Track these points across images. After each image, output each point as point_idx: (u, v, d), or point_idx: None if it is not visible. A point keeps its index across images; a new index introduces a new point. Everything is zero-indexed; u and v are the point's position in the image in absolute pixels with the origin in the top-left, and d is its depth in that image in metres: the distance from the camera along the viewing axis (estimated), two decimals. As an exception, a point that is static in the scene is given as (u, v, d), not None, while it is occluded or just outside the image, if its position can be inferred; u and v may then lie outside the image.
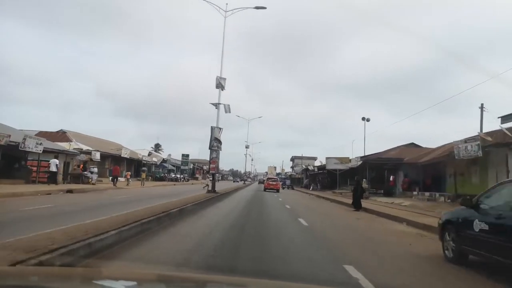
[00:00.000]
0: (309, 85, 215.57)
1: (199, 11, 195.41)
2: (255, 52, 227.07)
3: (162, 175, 47.46)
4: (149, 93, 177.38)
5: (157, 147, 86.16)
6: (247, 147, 77.31)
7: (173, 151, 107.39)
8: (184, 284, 2.19)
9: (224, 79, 22.56)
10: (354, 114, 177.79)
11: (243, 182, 52.80)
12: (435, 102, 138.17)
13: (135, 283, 1.96)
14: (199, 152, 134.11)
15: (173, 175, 49.77)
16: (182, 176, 55.31)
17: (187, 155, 66.07)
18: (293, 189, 56.90)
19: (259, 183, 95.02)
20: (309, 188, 52.70)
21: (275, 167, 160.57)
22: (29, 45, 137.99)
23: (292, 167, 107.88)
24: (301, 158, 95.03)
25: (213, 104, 22.68)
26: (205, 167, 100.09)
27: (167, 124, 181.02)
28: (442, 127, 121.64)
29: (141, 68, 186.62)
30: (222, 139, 23.22)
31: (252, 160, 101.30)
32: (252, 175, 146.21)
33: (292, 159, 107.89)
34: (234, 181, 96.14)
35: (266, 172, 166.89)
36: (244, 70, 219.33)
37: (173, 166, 61.84)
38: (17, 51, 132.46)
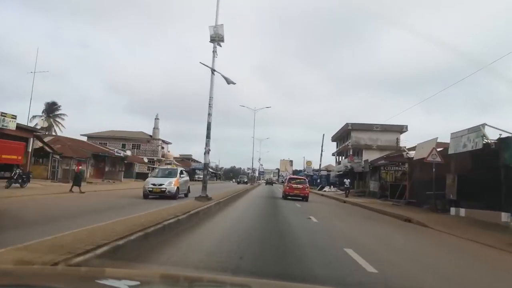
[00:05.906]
0: (331, 82, 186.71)
1: None
2: (277, 45, 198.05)
3: None
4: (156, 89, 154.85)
5: (52, 108, 41.73)
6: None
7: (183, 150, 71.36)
8: (188, 283, 2.16)
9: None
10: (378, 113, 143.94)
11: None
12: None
13: (138, 282, 1.92)
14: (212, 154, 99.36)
15: None
16: None
17: None
18: None
19: (266, 183, 76.25)
20: None
21: (291, 161, 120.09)
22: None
23: (342, 153, 53.35)
24: (370, 128, 46.72)
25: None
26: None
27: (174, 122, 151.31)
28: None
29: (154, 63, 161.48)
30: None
31: (253, 138, 60.39)
32: (256, 173, 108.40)
33: (347, 130, 48.71)
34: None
35: (277, 169, 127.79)
36: (264, 64, 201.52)
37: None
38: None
